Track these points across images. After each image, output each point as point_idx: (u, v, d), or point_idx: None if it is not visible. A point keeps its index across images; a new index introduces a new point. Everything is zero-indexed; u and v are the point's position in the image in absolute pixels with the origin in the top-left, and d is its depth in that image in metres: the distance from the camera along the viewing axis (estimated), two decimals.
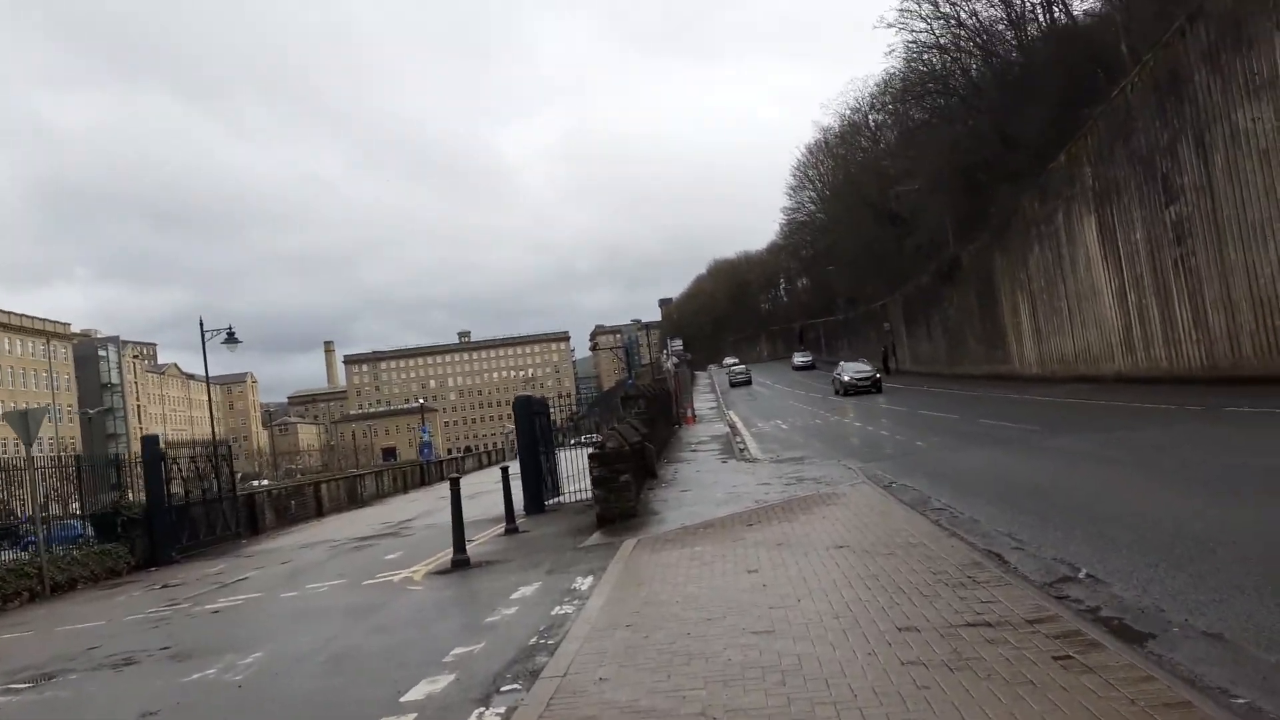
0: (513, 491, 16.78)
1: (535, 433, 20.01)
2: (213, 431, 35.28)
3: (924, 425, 25.30)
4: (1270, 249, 21.20)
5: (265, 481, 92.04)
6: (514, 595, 9.59)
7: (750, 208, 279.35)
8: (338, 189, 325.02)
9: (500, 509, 18.76)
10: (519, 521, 17.20)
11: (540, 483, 19.50)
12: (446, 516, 14.01)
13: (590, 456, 13.86)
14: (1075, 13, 42.39)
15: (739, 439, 28.71)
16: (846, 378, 46.37)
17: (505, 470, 16.42)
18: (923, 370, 58.36)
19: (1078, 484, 12.59)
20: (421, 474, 48.70)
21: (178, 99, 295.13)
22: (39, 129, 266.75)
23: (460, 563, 12.49)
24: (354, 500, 35.43)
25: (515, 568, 11.79)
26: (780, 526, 11.37)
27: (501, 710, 5.69)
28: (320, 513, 31.69)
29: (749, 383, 73.19)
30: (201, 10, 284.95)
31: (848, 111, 77.40)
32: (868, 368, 48.85)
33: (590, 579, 9.72)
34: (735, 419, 38.95)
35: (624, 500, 13.61)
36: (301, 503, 30.39)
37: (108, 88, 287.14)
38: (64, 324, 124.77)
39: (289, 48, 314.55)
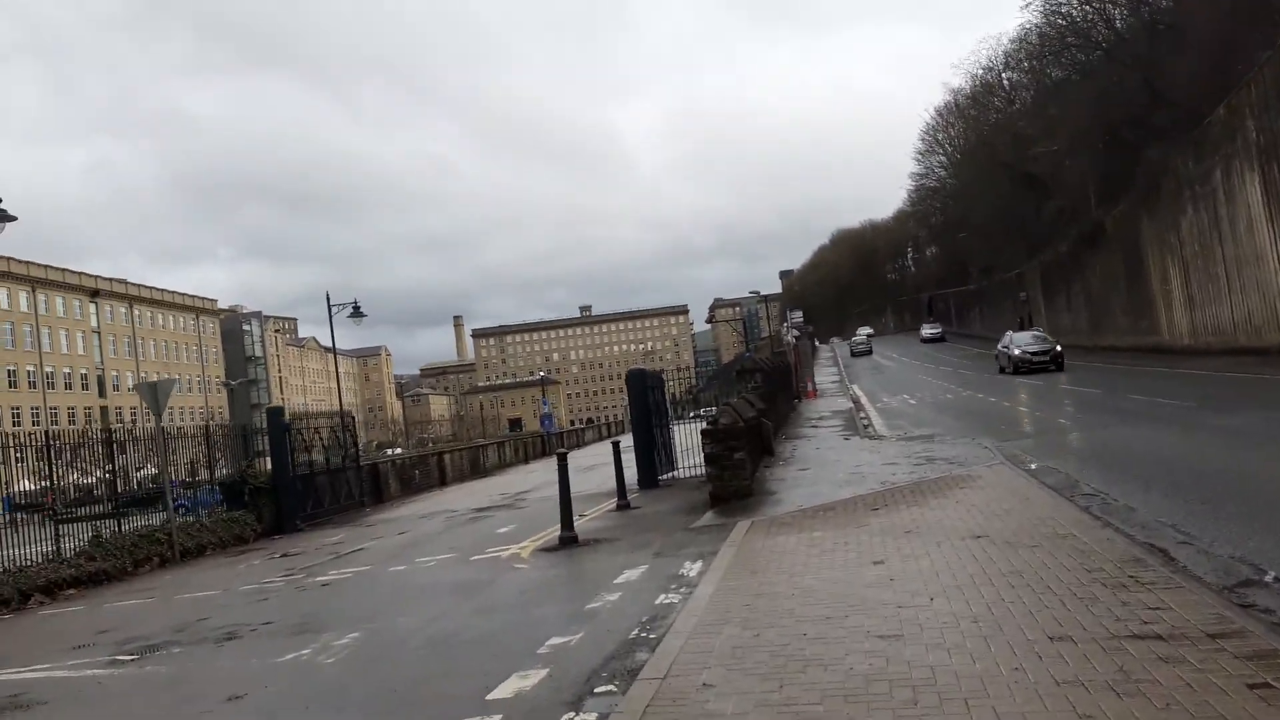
0: (626, 467, 16.32)
1: (649, 406, 19.51)
2: (340, 402, 36.24)
3: (1067, 401, 23.65)
4: None
5: (397, 450, 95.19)
6: (619, 579, 9.08)
7: (875, 177, 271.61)
8: (459, 172, 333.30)
9: (614, 483, 18.46)
10: (631, 497, 16.78)
11: (654, 458, 19.02)
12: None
13: (703, 432, 13.23)
14: None
15: (863, 415, 27.53)
16: (1017, 351, 36.75)
17: (617, 445, 15.95)
18: (1063, 342, 55.03)
19: (1252, 469, 11.22)
20: (543, 444, 49.15)
21: (306, 88, 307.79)
22: (181, 118, 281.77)
23: (568, 540, 12.08)
24: (476, 470, 35.87)
25: (623, 548, 11.28)
26: (908, 511, 10.49)
27: (593, 717, 5.14)
28: (444, 481, 32.16)
29: (869, 352, 73.17)
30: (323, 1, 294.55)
31: (980, 71, 73.61)
32: (1047, 341, 38.60)
33: (699, 564, 9.11)
34: (859, 393, 37.59)
35: (738, 478, 12.93)
36: (425, 472, 30.87)
37: (242, 77, 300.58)
38: (211, 300, 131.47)
39: (407, 36, 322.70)
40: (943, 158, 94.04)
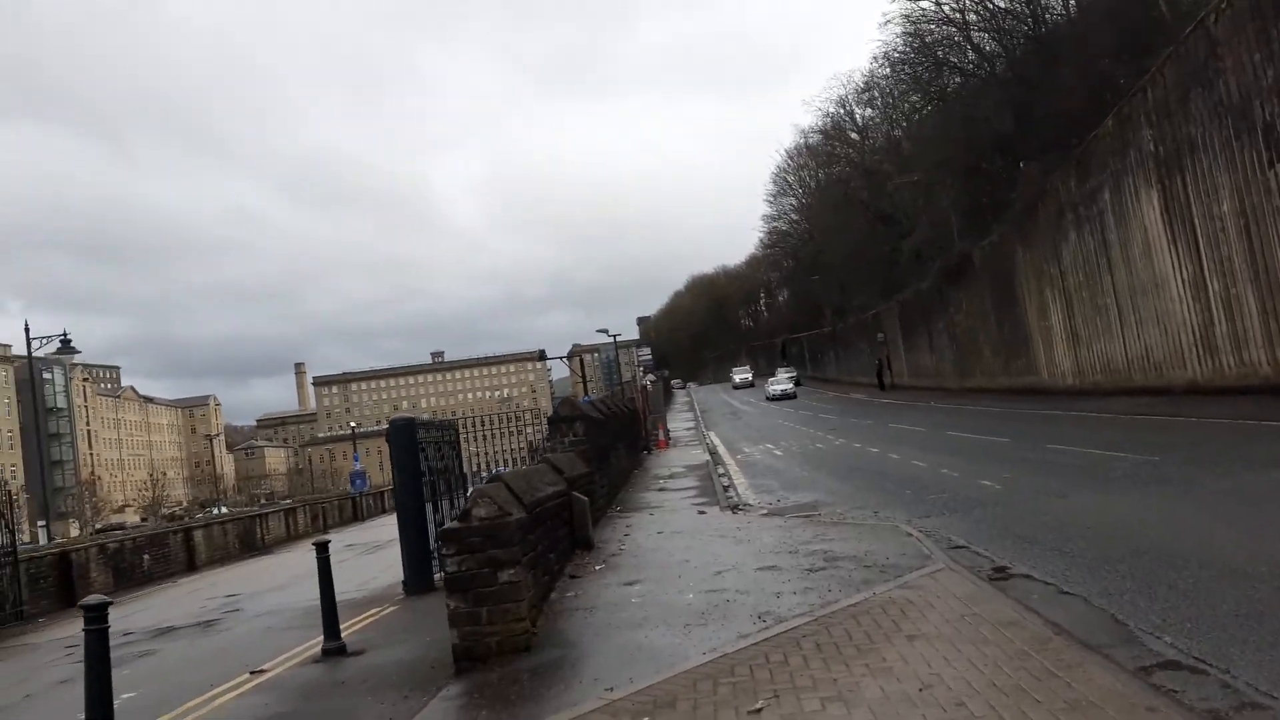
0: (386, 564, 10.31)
1: (420, 470, 13.49)
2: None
3: (968, 453, 18.99)
4: None
5: (222, 509, 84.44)
6: None
7: (731, 221, 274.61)
8: (271, 223, 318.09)
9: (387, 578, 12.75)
10: (386, 610, 11.03)
11: (427, 547, 12.99)
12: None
13: (442, 535, 7.38)
14: None
15: (722, 471, 22.25)
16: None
17: (322, 548, 9.80)
18: (924, 384, 52.21)
19: None
20: (354, 509, 41.92)
21: (77, 135, 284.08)
22: None
23: None
24: (249, 546, 28.69)
25: None
26: (820, 706, 4.93)
27: None
28: (193, 565, 24.99)
29: (751, 385, 75.41)
30: (97, 48, 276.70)
31: (832, 109, 71.46)
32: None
33: None
34: (717, 443, 32.50)
35: (508, 618, 7.15)
36: (162, 556, 23.65)
37: (16, 125, 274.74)
38: (4, 345, 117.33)
39: (187, 84, 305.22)
40: (793, 200, 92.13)
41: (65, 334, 23.16)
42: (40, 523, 43.87)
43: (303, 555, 26.87)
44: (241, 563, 26.19)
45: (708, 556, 10.19)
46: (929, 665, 5.68)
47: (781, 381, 64.00)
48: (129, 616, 16.27)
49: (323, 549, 9.63)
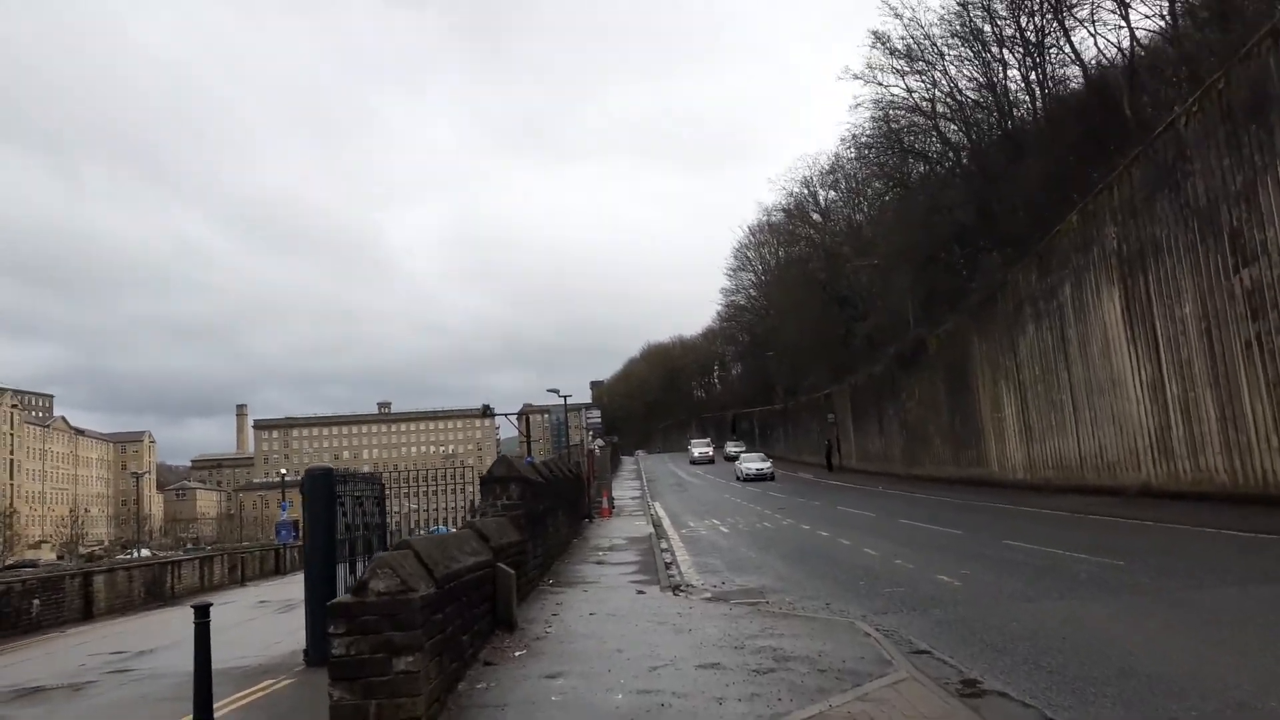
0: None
1: (334, 527, 12.27)
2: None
3: (922, 543, 18.15)
4: None
5: (143, 552, 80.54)
6: None
7: (691, 288, 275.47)
8: (213, 259, 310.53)
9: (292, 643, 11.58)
10: (280, 684, 9.89)
11: None
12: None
13: (331, 610, 6.25)
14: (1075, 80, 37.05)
15: (665, 547, 21.17)
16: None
17: (201, 613, 8.57)
18: (872, 469, 51.69)
19: None
20: (276, 560, 39.87)
21: (28, 155, 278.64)
22: None
23: None
24: (157, 596, 26.78)
25: None
26: None
27: None
28: (90, 614, 23.12)
29: (711, 461, 70.67)
30: (53, 71, 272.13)
31: (796, 188, 72.20)
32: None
33: None
34: (662, 515, 31.41)
35: (400, 715, 6.03)
36: (55, 601, 21.79)
37: None
38: None
39: (142, 113, 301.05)
40: (753, 275, 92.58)
41: None
42: None
43: (217, 610, 25.14)
44: (144, 613, 24.36)
45: (643, 647, 9.10)
46: None
47: (755, 461, 54.13)
48: None
49: (202, 614, 8.43)
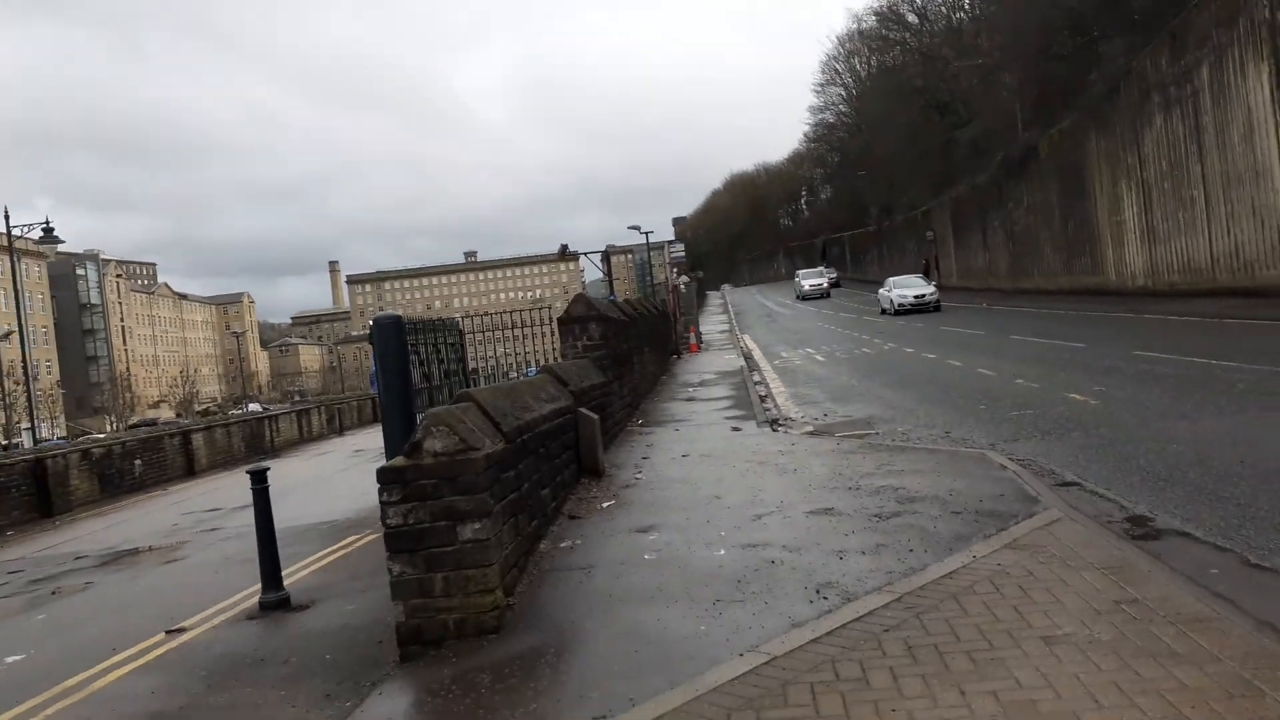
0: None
1: (407, 375, 11.46)
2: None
3: (1042, 360, 16.63)
4: None
5: (254, 406, 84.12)
6: None
7: (775, 114, 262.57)
8: (288, 122, 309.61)
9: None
10: (365, 538, 9.55)
11: None
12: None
13: (381, 477, 5.30)
14: None
15: (758, 378, 20.10)
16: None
17: (259, 478, 7.86)
18: (973, 285, 49.26)
19: None
20: (374, 408, 40.45)
21: (99, 36, 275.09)
22: None
23: None
24: (257, 450, 27.27)
25: None
26: None
27: None
28: (192, 470, 23.59)
29: (827, 295, 57.24)
30: None
31: None
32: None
33: None
34: (752, 346, 30.31)
35: (470, 588, 5.15)
36: (157, 461, 22.15)
37: (36, 27, 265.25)
38: (34, 239, 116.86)
39: None
40: (841, 90, 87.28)
41: (47, 222, 21.13)
42: (24, 426, 42.62)
43: (311, 461, 25.46)
44: (245, 467, 24.81)
45: (744, 491, 8.09)
46: (1094, 699, 3.58)
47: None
48: (96, 533, 14.75)
49: (259, 479, 7.72)
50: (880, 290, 39.79)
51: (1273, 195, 22.41)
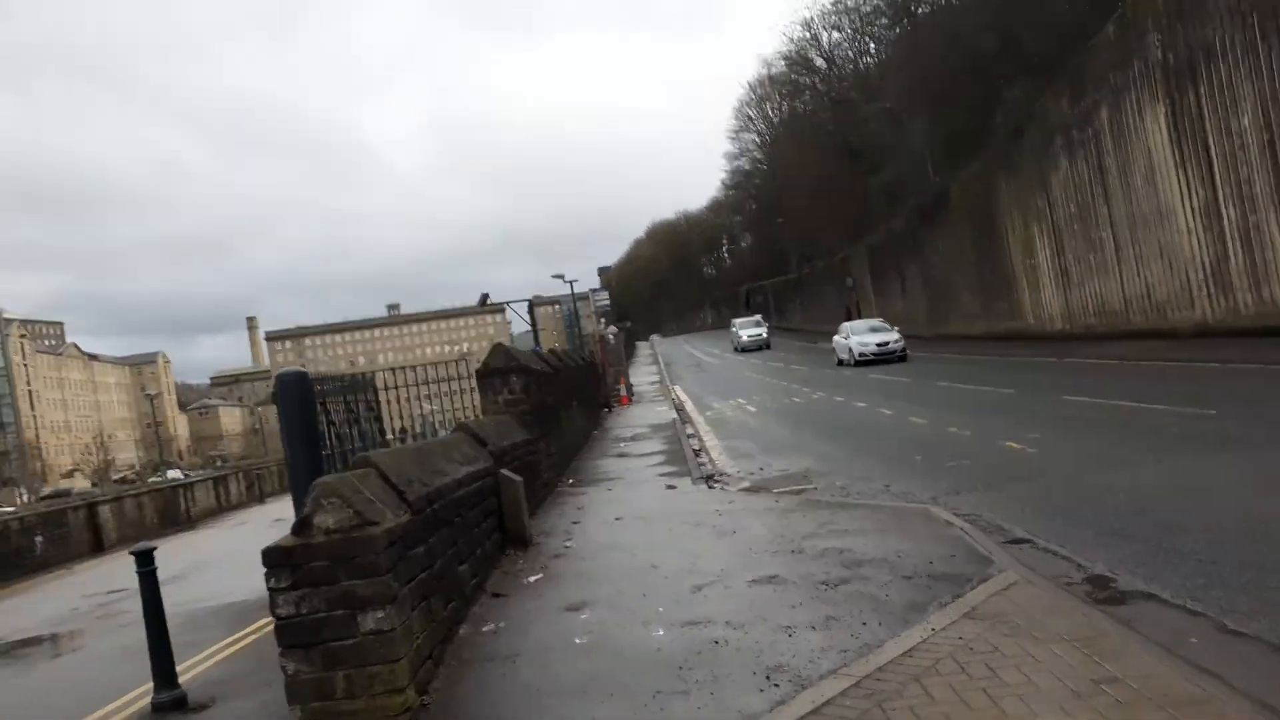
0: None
1: (314, 436, 10.77)
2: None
3: (972, 407, 16.64)
4: None
5: (174, 473, 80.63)
6: None
7: (694, 160, 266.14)
8: (196, 174, 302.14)
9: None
10: (270, 626, 8.65)
11: None
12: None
13: (267, 558, 4.72)
14: None
15: (691, 430, 19.78)
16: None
17: (144, 559, 7.12)
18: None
19: None
20: None
21: None
22: None
23: None
24: (171, 521, 25.85)
25: None
26: None
27: None
28: (99, 546, 22.18)
29: (767, 346, 53.26)
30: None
31: (798, 32, 68.07)
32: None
33: None
34: (684, 397, 30.05)
35: (376, 687, 4.58)
36: (60, 537, 20.76)
37: None
38: None
39: (94, 27, 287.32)
40: (755, 136, 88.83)
41: None
42: None
43: (227, 533, 24.20)
44: (159, 540, 23.41)
45: (682, 558, 7.64)
46: None
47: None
48: None
49: (145, 560, 6.96)
50: (836, 338, 35.72)
51: (1178, 236, 23.13)
